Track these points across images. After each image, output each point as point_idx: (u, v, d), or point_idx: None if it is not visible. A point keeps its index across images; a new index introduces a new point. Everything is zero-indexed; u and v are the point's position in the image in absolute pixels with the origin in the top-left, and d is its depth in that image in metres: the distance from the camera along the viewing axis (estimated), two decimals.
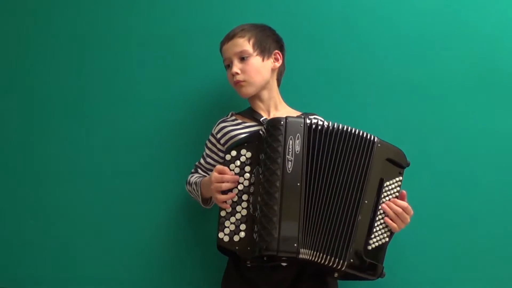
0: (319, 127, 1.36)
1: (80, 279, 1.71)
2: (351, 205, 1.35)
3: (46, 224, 1.74)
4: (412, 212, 1.39)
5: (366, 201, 1.35)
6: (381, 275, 1.36)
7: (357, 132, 1.37)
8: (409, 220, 1.39)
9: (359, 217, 1.34)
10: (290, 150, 1.33)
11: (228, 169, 1.37)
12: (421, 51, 1.74)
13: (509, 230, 1.66)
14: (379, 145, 1.38)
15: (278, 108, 1.58)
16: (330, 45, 1.77)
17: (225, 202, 1.36)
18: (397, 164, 1.41)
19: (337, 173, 1.35)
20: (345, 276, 1.39)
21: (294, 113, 1.57)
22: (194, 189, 1.54)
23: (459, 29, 1.74)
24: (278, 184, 1.31)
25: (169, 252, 1.71)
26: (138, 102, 1.76)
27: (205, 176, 1.55)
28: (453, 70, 1.73)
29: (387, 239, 1.38)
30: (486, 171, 1.69)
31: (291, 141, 1.33)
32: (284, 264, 1.36)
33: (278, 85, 1.61)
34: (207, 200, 1.54)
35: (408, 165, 1.42)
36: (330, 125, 1.37)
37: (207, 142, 1.59)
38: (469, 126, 1.71)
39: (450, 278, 1.66)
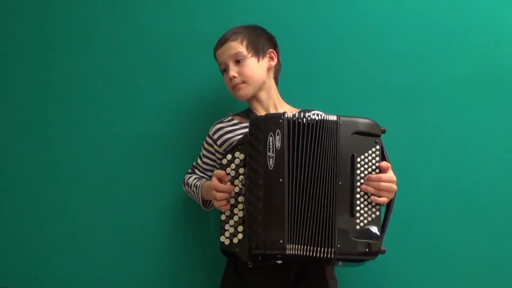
0: (299, 120, 1.35)
1: (80, 279, 1.74)
2: (327, 191, 1.32)
3: (46, 224, 1.76)
4: (394, 177, 1.35)
5: (340, 182, 1.32)
6: (379, 252, 1.31)
7: (319, 117, 1.35)
8: (395, 187, 1.34)
9: (335, 201, 1.30)
10: (271, 146, 1.32)
11: (226, 174, 1.38)
12: (419, 50, 1.73)
13: (509, 230, 1.66)
14: (340, 122, 1.34)
15: (277, 107, 1.57)
16: (330, 42, 1.76)
17: (225, 204, 1.38)
18: (369, 134, 1.35)
19: (314, 163, 1.33)
20: (349, 261, 1.36)
21: (294, 111, 1.54)
22: (193, 192, 1.56)
23: (459, 28, 1.73)
24: (260, 182, 1.31)
25: (168, 252, 1.73)
26: (137, 103, 1.78)
27: (203, 177, 1.59)
28: (453, 69, 1.72)
29: (377, 213, 1.33)
30: (486, 171, 1.68)
31: (271, 138, 1.33)
32: (279, 262, 1.36)
33: (276, 84, 1.60)
34: (206, 202, 1.56)
35: (383, 132, 1.36)
36: (301, 115, 1.36)
37: (204, 143, 1.60)
38: (469, 126, 1.70)
39: (451, 278, 1.65)
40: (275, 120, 1.34)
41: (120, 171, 1.77)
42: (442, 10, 1.73)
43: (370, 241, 1.30)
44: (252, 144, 1.35)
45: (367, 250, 1.30)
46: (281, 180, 1.31)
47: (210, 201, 1.55)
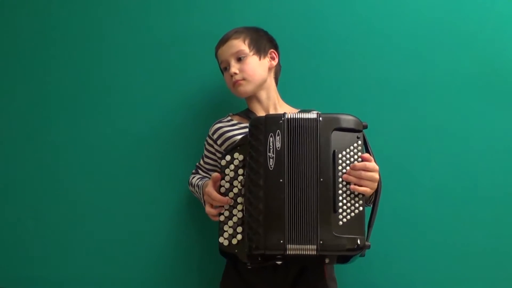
0: (297, 121, 1.35)
1: (79, 279, 1.74)
2: (311, 188, 1.33)
3: (46, 225, 1.76)
4: (376, 167, 1.35)
5: (321, 179, 1.32)
6: (364, 247, 1.31)
7: (302, 116, 1.36)
8: (377, 176, 1.35)
9: (318, 197, 1.31)
10: (271, 147, 1.33)
11: (220, 178, 1.39)
12: (420, 50, 1.74)
13: (509, 231, 1.66)
14: (320, 119, 1.35)
15: (277, 108, 1.58)
16: (330, 43, 1.77)
17: (215, 215, 1.40)
18: (350, 130, 1.36)
19: (302, 161, 1.34)
20: (337, 260, 1.37)
21: (293, 111, 1.56)
22: (196, 191, 1.57)
23: (458, 28, 1.73)
24: (261, 182, 1.32)
25: (167, 253, 1.73)
26: (138, 103, 1.78)
27: (206, 176, 1.60)
28: (452, 69, 1.72)
29: (360, 208, 1.33)
30: (486, 171, 1.68)
31: (271, 138, 1.33)
32: (279, 262, 1.36)
33: (276, 84, 1.61)
34: None
35: (365, 127, 1.36)
36: (294, 116, 1.36)
37: (206, 143, 1.61)
38: (468, 126, 1.71)
39: (452, 277, 1.66)
40: (275, 120, 1.35)
41: (120, 170, 1.77)
42: (443, 10, 1.74)
43: (354, 237, 1.31)
44: (252, 145, 1.36)
45: (351, 245, 1.30)
46: (281, 180, 1.32)
47: None
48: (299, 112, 1.42)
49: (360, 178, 1.32)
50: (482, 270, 1.65)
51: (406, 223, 1.66)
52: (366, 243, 1.31)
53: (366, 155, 1.35)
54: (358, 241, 1.30)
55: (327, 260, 1.35)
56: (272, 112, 1.56)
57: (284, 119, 1.35)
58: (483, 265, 1.65)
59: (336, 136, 1.35)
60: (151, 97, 1.79)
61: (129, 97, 1.80)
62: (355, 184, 1.32)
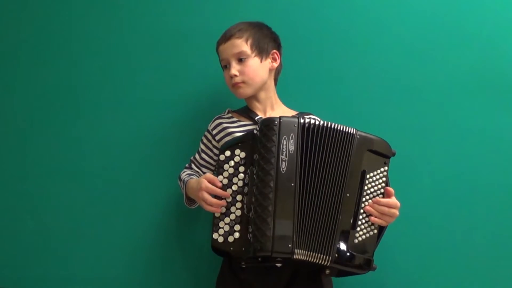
0: (312, 126, 1.35)
1: (77, 279, 1.73)
2: (334, 200, 1.34)
3: (45, 225, 1.76)
4: (398, 204, 1.38)
5: (348, 194, 1.34)
6: (371, 268, 1.34)
7: (337, 127, 1.36)
8: (397, 213, 1.38)
9: (341, 211, 1.33)
10: (284, 150, 1.32)
11: (218, 180, 1.37)
12: (419, 51, 1.74)
13: (509, 231, 1.66)
14: (358, 137, 1.37)
15: (274, 107, 1.57)
16: (327, 45, 1.76)
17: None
18: (381, 154, 1.39)
19: (325, 171, 1.35)
20: (338, 273, 1.39)
21: (290, 112, 1.56)
22: (181, 186, 1.54)
23: (458, 29, 1.73)
24: (272, 184, 1.31)
25: (163, 253, 1.72)
26: (134, 101, 1.78)
27: (198, 172, 1.56)
28: (452, 70, 1.72)
29: (375, 231, 1.37)
30: (486, 172, 1.68)
31: (285, 141, 1.33)
32: (278, 265, 1.35)
33: (275, 84, 1.60)
34: (191, 199, 1.53)
35: (393, 154, 1.40)
36: (317, 123, 1.36)
37: (203, 138, 1.58)
38: (468, 126, 1.70)
39: (449, 279, 1.66)
40: (290, 124, 1.35)
41: (118, 170, 1.76)
42: (443, 10, 1.75)
43: (365, 257, 1.34)
44: (264, 145, 1.33)
45: (360, 264, 1.34)
46: (292, 184, 1.32)
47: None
48: (299, 114, 1.45)
49: (383, 213, 1.36)
50: (482, 270, 1.65)
51: (406, 223, 1.60)
52: (373, 265, 1.35)
53: (390, 189, 1.38)
54: (368, 262, 1.34)
55: (327, 271, 1.36)
56: (269, 111, 1.56)
57: (298, 123, 1.35)
58: (483, 266, 1.65)
59: (367, 156, 1.37)
60: (147, 95, 1.78)
61: (125, 96, 1.79)
62: (375, 217, 1.36)
